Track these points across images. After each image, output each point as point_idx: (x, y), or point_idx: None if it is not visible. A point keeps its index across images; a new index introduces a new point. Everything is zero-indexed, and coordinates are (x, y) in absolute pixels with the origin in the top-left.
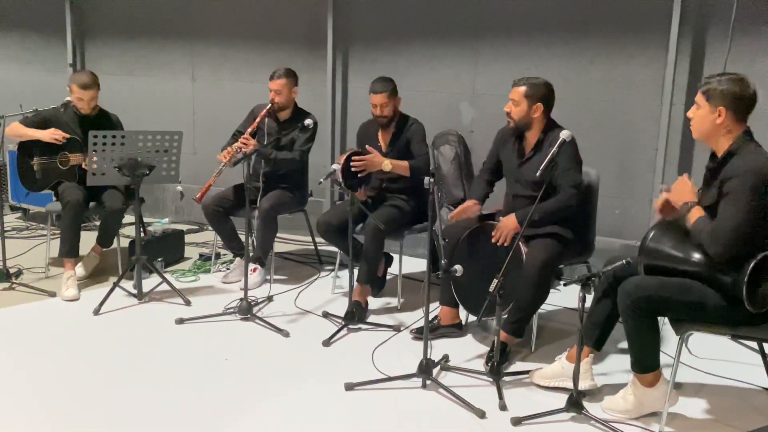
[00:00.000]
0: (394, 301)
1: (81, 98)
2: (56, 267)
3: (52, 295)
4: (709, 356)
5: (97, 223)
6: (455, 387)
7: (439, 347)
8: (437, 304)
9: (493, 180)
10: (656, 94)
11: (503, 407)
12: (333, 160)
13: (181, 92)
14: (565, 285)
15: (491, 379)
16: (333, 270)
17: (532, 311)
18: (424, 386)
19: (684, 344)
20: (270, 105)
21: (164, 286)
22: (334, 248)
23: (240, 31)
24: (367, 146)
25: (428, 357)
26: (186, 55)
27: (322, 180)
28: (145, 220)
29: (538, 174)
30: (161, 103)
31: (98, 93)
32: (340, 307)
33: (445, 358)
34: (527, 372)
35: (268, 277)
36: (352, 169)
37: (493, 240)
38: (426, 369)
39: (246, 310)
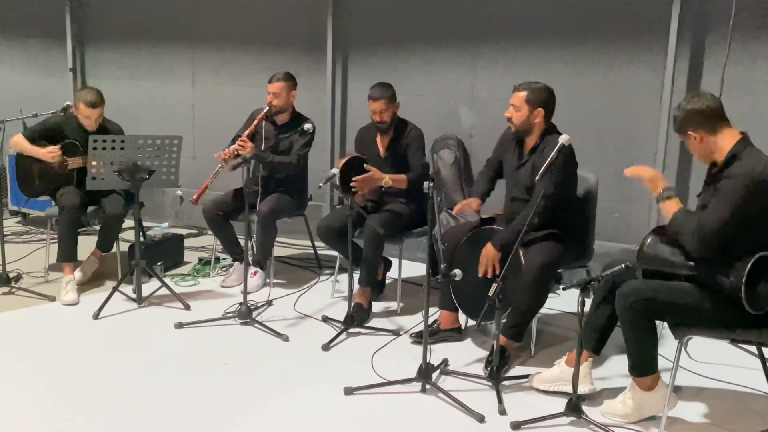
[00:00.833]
0: (393, 306)
1: (88, 116)
2: (56, 271)
3: (52, 299)
4: (708, 360)
5: (97, 227)
6: (454, 391)
7: (439, 351)
8: (437, 308)
9: (495, 178)
10: (655, 99)
11: (502, 411)
12: (333, 165)
13: (180, 97)
14: (564, 289)
15: (490, 384)
16: (332, 274)
17: (531, 315)
18: (423, 390)
19: (683, 348)
20: (267, 108)
21: (164, 291)
22: (333, 252)
23: (240, 35)
24: (365, 165)
25: (427, 361)
26: (186, 59)
27: (321, 184)
28: (145, 224)
29: (537, 178)
30: (161, 107)
31: (104, 109)
32: (340, 311)
33: (445, 362)
34: (526, 376)
35: (268, 281)
36: (353, 189)
37: (480, 275)
38: (425, 373)
39: (245, 314)
